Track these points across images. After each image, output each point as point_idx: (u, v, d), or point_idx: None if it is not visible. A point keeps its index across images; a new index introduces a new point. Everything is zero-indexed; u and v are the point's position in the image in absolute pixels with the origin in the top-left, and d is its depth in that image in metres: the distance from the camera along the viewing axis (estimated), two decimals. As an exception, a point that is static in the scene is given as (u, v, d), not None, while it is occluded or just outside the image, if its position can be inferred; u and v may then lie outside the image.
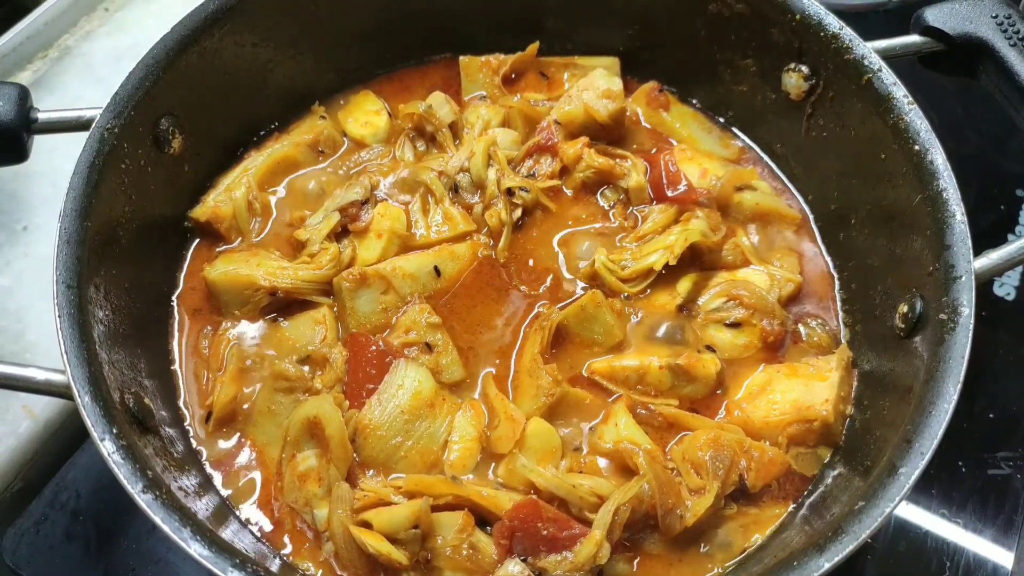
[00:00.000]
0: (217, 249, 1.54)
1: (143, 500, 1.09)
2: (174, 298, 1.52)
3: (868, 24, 1.52)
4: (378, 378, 1.36)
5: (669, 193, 1.55)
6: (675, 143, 1.68)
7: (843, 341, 1.50)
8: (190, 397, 1.43)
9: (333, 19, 1.63)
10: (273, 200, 1.58)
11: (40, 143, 1.38)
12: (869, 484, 1.17)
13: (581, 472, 1.32)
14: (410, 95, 1.73)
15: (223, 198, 1.53)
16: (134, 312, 1.37)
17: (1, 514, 1.54)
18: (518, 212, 1.54)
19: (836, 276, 1.57)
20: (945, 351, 1.20)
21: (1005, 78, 1.42)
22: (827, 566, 1.09)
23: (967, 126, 2.01)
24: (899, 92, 1.38)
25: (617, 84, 1.63)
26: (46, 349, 1.61)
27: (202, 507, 1.22)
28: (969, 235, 1.26)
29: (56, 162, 1.43)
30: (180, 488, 1.20)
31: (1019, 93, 1.40)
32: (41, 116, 1.35)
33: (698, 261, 1.51)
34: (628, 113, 1.65)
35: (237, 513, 1.34)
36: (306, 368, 1.41)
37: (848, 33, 1.44)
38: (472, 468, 1.33)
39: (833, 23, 1.45)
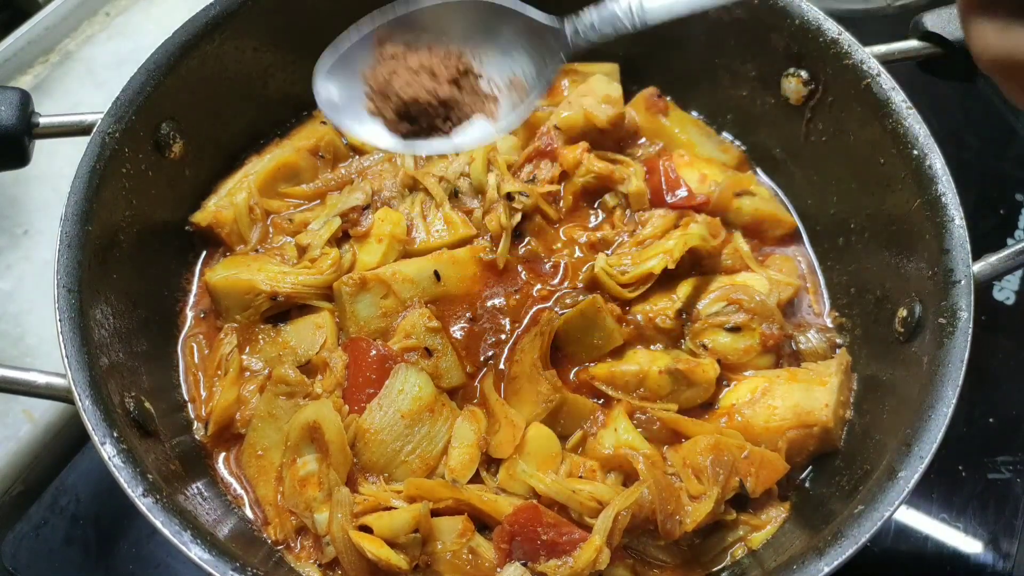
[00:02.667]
0: (218, 254, 1.55)
1: (144, 504, 1.10)
2: (175, 302, 1.52)
3: (867, 29, 1.52)
4: (378, 383, 1.36)
5: (668, 199, 1.55)
6: (674, 148, 1.68)
7: (842, 346, 1.50)
8: (190, 401, 1.44)
9: (334, 24, 1.63)
10: (274, 205, 1.58)
11: (41, 147, 1.38)
12: (868, 488, 1.17)
13: (581, 477, 1.32)
14: (410, 100, 1.73)
15: (224, 203, 1.54)
16: (135, 316, 1.37)
17: (1, 518, 1.54)
18: (518, 217, 1.54)
19: (835, 280, 1.57)
20: (944, 355, 1.21)
21: (1004, 83, 1.42)
22: (827, 570, 1.09)
23: (966, 131, 2.01)
24: (898, 97, 1.38)
25: (616, 89, 1.64)
26: (46, 353, 1.62)
27: (202, 511, 1.21)
28: (968, 239, 1.27)
29: (57, 166, 1.44)
30: (180, 492, 1.20)
31: (1018, 98, 1.40)
32: (42, 120, 1.36)
33: (697, 266, 1.51)
34: (627, 119, 1.66)
35: (237, 516, 1.34)
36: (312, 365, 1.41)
37: (847, 38, 1.44)
38: (472, 473, 1.33)
39: (832, 28, 1.45)
